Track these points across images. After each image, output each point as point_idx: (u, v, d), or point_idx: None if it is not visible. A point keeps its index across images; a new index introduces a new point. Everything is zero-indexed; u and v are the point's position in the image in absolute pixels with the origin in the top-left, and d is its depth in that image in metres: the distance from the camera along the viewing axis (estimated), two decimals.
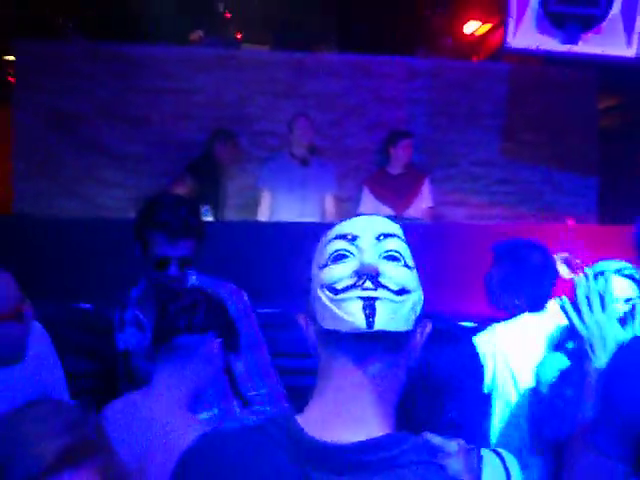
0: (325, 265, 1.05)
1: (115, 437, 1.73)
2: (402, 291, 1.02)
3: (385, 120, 5.92)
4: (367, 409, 1.02)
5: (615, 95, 6.64)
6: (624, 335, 1.69)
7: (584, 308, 1.75)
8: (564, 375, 2.09)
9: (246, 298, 2.52)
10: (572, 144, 6.10)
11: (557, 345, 2.34)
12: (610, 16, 3.67)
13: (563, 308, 1.79)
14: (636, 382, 1.47)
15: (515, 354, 2.46)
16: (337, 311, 1.00)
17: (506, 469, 1.56)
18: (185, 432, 1.68)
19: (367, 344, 1.01)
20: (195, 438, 1.08)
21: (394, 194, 5.28)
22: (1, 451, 1.10)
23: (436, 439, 1.39)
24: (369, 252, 1.03)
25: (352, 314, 0.99)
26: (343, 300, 1.00)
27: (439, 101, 6.06)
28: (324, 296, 1.02)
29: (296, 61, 6.02)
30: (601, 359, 1.66)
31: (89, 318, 3.39)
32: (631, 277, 2.09)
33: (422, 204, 5.31)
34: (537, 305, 2.56)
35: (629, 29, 3.61)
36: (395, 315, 1.00)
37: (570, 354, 2.13)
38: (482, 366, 1.65)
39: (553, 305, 2.56)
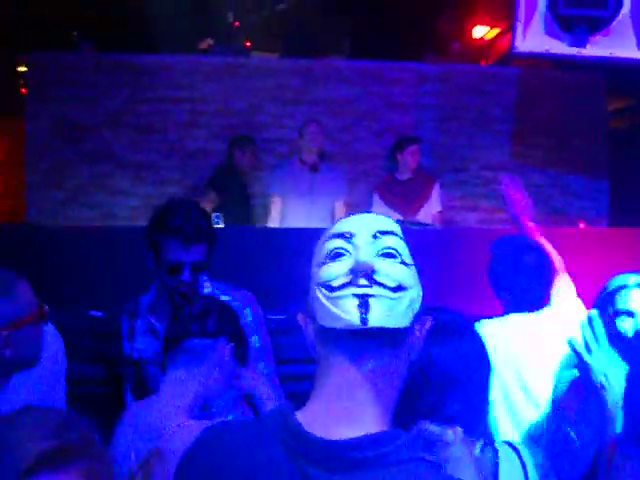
0: (323, 263, 1.06)
1: (125, 443, 1.75)
2: (398, 288, 1.03)
3: (395, 125, 5.93)
4: (363, 406, 1.03)
5: (624, 97, 6.61)
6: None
7: (593, 344, 1.75)
8: (582, 412, 2.07)
9: (258, 305, 2.53)
10: (582, 147, 6.09)
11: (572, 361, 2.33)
12: (619, 17, 3.66)
13: (572, 346, 1.78)
14: None
15: (505, 352, 2.44)
16: (333, 309, 1.01)
17: (522, 462, 1.56)
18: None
19: (362, 341, 1.02)
20: (198, 433, 1.10)
21: (403, 199, 5.27)
22: None
23: (433, 428, 1.39)
24: (365, 250, 1.04)
25: (347, 311, 1.00)
26: (339, 298, 1.01)
27: (449, 106, 6.06)
28: (321, 294, 1.04)
29: (305, 68, 6.04)
30: (616, 391, 1.66)
31: (100, 326, 3.41)
32: None
33: (431, 209, 5.30)
34: (532, 305, 2.55)
35: (638, 30, 3.60)
36: (391, 312, 1.01)
37: (584, 372, 2.12)
38: (488, 359, 1.64)
39: (550, 308, 2.56)
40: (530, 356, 2.45)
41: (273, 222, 4.98)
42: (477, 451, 1.51)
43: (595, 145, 6.10)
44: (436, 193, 5.36)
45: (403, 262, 1.06)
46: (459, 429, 1.46)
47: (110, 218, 5.63)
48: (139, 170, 5.76)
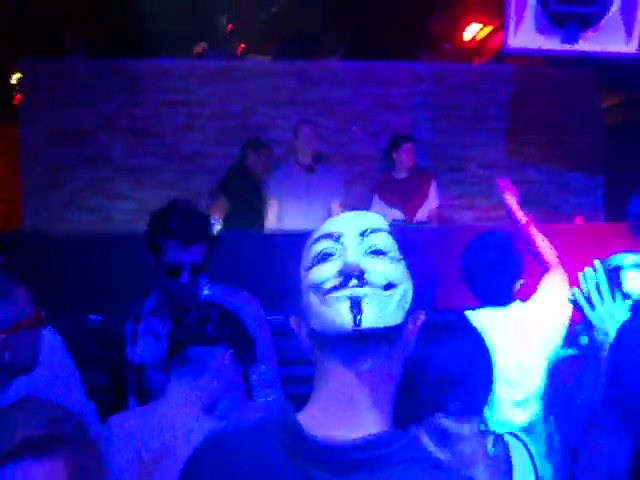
0: (311, 266, 1.05)
1: (123, 445, 1.76)
2: (389, 286, 1.02)
3: (390, 126, 5.94)
4: (362, 407, 1.02)
5: (618, 93, 6.63)
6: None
7: (595, 299, 1.76)
8: (579, 380, 2.09)
9: (259, 307, 2.53)
10: (577, 143, 6.11)
11: (570, 341, 2.34)
12: (610, 13, 3.67)
13: (574, 300, 1.79)
14: (637, 354, 1.48)
15: None
16: (325, 312, 1.00)
17: (528, 451, 1.57)
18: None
19: (357, 343, 1.00)
20: (201, 439, 1.10)
21: (402, 198, 5.29)
22: None
23: (448, 422, 1.39)
24: (353, 249, 1.03)
25: (340, 314, 0.98)
26: (330, 300, 1.00)
27: (443, 105, 6.08)
28: (312, 298, 1.02)
29: (299, 70, 6.06)
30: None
31: (99, 330, 3.41)
32: None
33: (429, 205, 5.32)
34: (497, 300, 2.55)
35: (629, 25, 3.60)
36: (383, 311, 1.00)
37: (583, 349, 2.13)
38: (490, 357, 1.65)
39: (519, 303, 2.58)
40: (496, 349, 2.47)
41: (270, 224, 4.98)
42: (490, 447, 1.51)
43: (591, 141, 6.12)
44: (433, 189, 5.38)
45: (392, 258, 1.05)
46: (476, 423, 1.47)
47: (108, 222, 5.64)
48: (136, 174, 5.77)
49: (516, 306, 2.56)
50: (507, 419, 2.38)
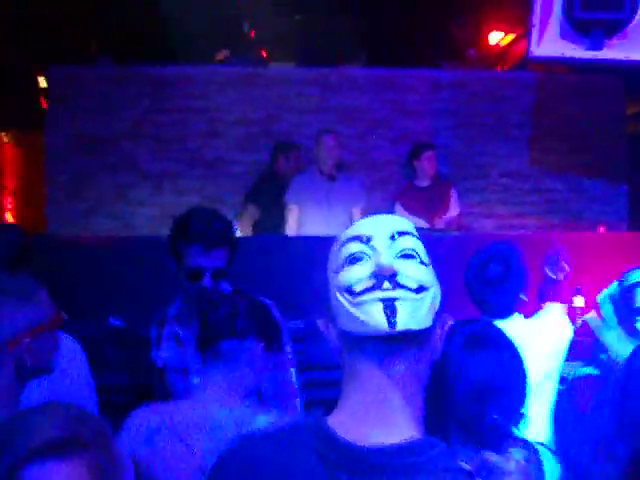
0: (341, 268, 1.05)
1: (170, 439, 1.78)
2: (420, 289, 1.02)
3: (411, 133, 5.93)
4: (395, 410, 1.02)
5: None
6: None
7: (612, 323, 1.75)
8: (597, 403, 2.07)
9: (279, 313, 2.54)
10: (601, 151, 6.05)
11: (590, 359, 2.32)
12: (635, 21, 3.64)
13: (588, 323, 1.79)
14: None
15: None
16: (358, 314, 1.00)
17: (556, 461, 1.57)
18: (253, 419, 1.77)
19: (390, 345, 1.01)
20: (230, 442, 1.10)
21: (425, 206, 5.27)
22: (1, 436, 1.19)
23: (494, 457, 1.39)
24: (384, 252, 1.03)
25: (373, 316, 0.99)
26: (363, 303, 1.00)
27: (465, 113, 6.05)
28: (343, 299, 1.02)
29: (321, 77, 6.07)
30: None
31: (121, 334, 3.44)
32: None
33: (450, 213, 5.31)
34: (497, 313, 2.54)
35: None
36: (416, 314, 1.00)
37: (602, 365, 2.11)
38: (524, 368, 1.65)
39: (519, 316, 2.56)
40: None
41: (290, 230, 4.99)
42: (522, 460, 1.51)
43: (614, 149, 6.06)
44: (454, 197, 5.36)
45: (422, 262, 1.05)
46: (523, 459, 1.47)
47: (130, 228, 5.68)
48: (159, 180, 5.81)
49: (516, 319, 2.55)
50: None
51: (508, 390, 1.59)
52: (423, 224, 5.08)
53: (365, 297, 1.00)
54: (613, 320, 1.73)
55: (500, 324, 2.49)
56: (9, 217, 7.17)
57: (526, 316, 2.59)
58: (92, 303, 3.50)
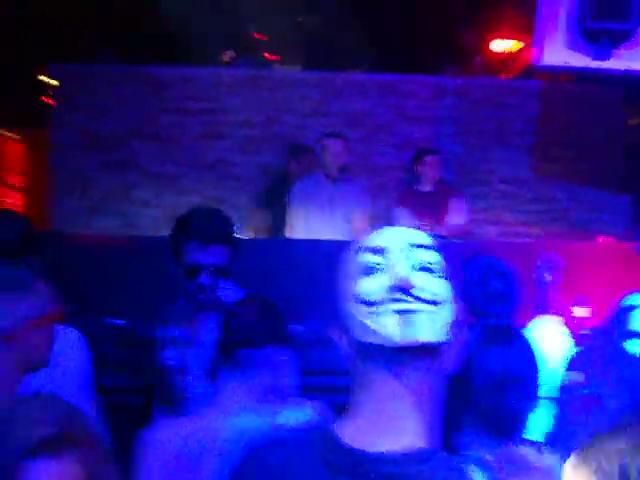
0: (356, 278, 1.05)
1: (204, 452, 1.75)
2: (436, 302, 1.03)
3: (413, 139, 5.94)
4: (406, 420, 1.03)
5: None
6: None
7: (600, 363, 1.77)
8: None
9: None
10: (603, 161, 6.05)
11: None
12: None
13: (575, 362, 1.82)
14: None
15: None
16: (373, 325, 1.00)
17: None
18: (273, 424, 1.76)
19: (404, 356, 1.01)
20: (241, 450, 1.11)
21: (426, 211, 5.25)
22: None
23: (528, 451, 1.40)
24: (400, 264, 1.03)
25: (388, 328, 0.99)
26: (378, 314, 1.00)
27: (467, 119, 6.06)
28: (358, 310, 1.02)
29: (325, 81, 6.07)
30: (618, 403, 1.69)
31: (123, 334, 3.44)
32: None
33: (455, 220, 5.27)
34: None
35: None
36: (431, 326, 1.01)
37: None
38: (537, 359, 1.69)
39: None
40: None
41: (293, 233, 4.99)
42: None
43: (616, 158, 6.06)
44: (459, 206, 5.32)
45: (438, 275, 1.06)
46: (545, 451, 1.48)
47: (132, 228, 5.68)
48: (161, 181, 5.81)
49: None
50: None
51: (526, 380, 1.63)
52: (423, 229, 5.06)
53: (380, 308, 1.00)
54: (601, 362, 1.76)
55: None
56: None
57: (521, 326, 2.59)
58: (92, 302, 3.50)
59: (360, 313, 1.02)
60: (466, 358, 1.60)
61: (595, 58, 3.83)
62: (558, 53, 3.85)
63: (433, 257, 1.07)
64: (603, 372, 1.79)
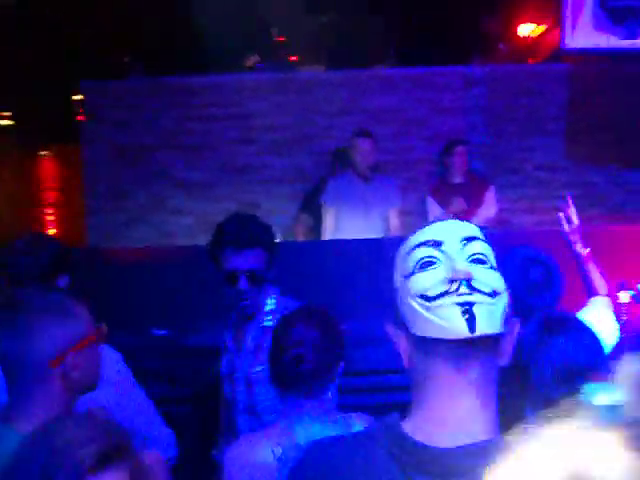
0: (412, 273, 1.05)
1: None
2: (494, 293, 1.02)
3: (444, 130, 5.88)
4: (472, 413, 1.02)
5: None
6: None
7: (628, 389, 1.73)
8: None
9: None
10: (638, 141, 5.92)
11: None
12: None
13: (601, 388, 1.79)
14: None
15: None
16: (434, 318, 1.00)
17: None
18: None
19: (467, 349, 1.01)
20: (306, 448, 1.12)
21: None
22: (44, 459, 1.18)
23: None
24: (457, 257, 1.03)
25: (451, 320, 0.99)
26: (439, 307, 1.00)
27: (498, 108, 5.99)
28: (417, 304, 1.02)
29: (351, 79, 6.06)
30: None
31: (165, 344, 3.46)
32: None
33: (487, 211, 5.23)
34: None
35: None
36: (491, 318, 1.00)
37: None
38: (604, 348, 1.67)
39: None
40: None
41: (327, 234, 4.98)
42: None
43: None
44: (491, 196, 5.28)
45: (492, 267, 1.06)
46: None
47: (168, 237, 5.74)
48: (193, 188, 5.86)
49: None
50: None
51: (595, 370, 1.60)
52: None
53: (441, 301, 1.00)
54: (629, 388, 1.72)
55: None
56: (50, 231, 7.30)
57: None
58: (134, 314, 3.54)
59: (420, 308, 1.02)
60: (524, 350, 1.59)
61: (624, 37, 3.76)
62: (586, 35, 3.79)
63: (485, 248, 1.07)
64: None
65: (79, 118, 6.29)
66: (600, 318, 2.51)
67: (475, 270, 1.03)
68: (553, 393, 1.56)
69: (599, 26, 3.78)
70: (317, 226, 5.14)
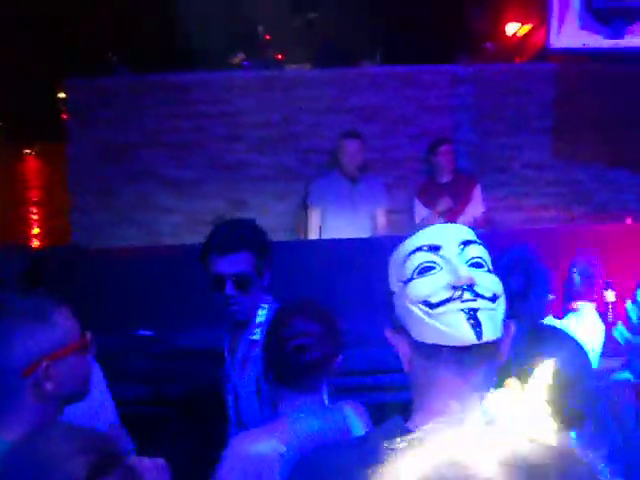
0: (411, 279, 1.03)
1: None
2: (495, 297, 1.02)
3: (432, 129, 5.89)
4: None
5: None
6: None
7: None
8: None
9: None
10: (624, 140, 5.95)
11: (626, 365, 2.28)
12: None
13: (619, 333, 1.79)
14: None
15: None
16: (438, 325, 0.99)
17: None
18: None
19: (471, 355, 1.00)
20: (307, 450, 1.11)
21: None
22: (32, 473, 1.12)
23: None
24: (457, 262, 1.02)
25: (456, 327, 0.98)
26: (443, 314, 0.99)
27: (485, 106, 6.00)
28: (418, 310, 1.01)
29: (338, 77, 6.05)
30: None
31: (150, 345, 3.44)
32: None
33: (474, 210, 5.24)
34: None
35: None
36: (494, 323, 1.00)
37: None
38: (589, 362, 1.67)
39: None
40: None
41: (312, 233, 4.97)
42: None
43: (638, 137, 5.96)
44: (478, 194, 5.30)
45: (489, 270, 1.05)
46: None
47: (155, 236, 5.70)
48: (181, 186, 5.82)
49: (549, 321, 2.51)
50: None
51: (582, 382, 1.60)
52: (441, 221, 5.03)
53: (445, 308, 0.99)
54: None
55: None
56: (35, 229, 7.24)
57: (557, 316, 2.55)
58: (120, 314, 3.51)
59: (422, 314, 1.00)
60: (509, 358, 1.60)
61: (609, 37, 3.78)
62: (572, 35, 3.80)
63: (481, 251, 1.07)
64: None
65: (64, 116, 6.24)
66: (585, 324, 2.51)
67: (476, 275, 1.02)
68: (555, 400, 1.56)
69: (584, 26, 3.80)
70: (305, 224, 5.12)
